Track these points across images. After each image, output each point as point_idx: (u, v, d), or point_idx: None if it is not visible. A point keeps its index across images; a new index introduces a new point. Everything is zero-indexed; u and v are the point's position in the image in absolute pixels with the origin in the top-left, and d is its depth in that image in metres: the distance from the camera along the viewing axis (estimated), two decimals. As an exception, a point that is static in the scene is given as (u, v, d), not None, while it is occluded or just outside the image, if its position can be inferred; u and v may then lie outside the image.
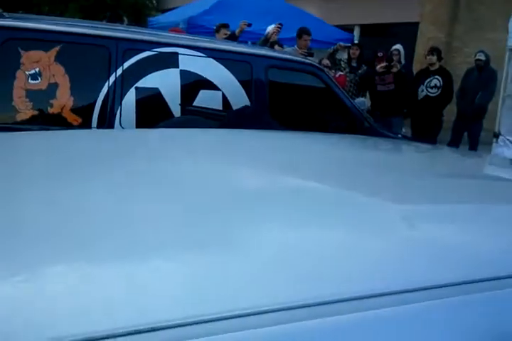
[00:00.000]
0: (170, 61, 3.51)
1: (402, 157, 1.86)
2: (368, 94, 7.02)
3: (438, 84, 6.71)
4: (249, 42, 9.20)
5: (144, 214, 0.85)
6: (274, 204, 0.95)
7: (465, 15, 10.21)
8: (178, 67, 3.52)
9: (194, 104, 3.46)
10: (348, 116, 4.15)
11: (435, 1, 10.39)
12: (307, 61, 4.42)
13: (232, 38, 6.63)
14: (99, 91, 3.18)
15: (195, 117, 3.12)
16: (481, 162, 1.94)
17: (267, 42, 6.43)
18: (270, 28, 6.97)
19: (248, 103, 3.71)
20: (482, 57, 7.06)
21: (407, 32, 10.67)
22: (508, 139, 5.06)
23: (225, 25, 6.92)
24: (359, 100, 6.02)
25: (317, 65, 4.48)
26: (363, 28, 12.16)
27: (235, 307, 0.58)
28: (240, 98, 3.69)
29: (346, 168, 1.34)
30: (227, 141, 1.64)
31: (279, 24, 6.52)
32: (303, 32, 6.59)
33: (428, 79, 6.77)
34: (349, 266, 0.72)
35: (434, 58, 6.88)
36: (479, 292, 0.71)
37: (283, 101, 4.00)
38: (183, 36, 4.27)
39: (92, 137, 1.63)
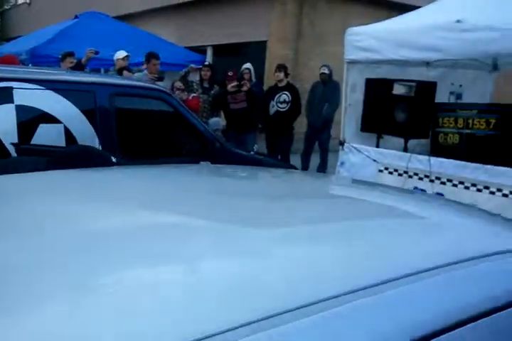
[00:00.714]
0: (3, 96, 3.34)
1: (251, 183, 1.89)
2: (222, 114, 7.17)
3: (287, 99, 7.05)
4: (102, 70, 9.05)
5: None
6: (134, 242, 0.95)
7: (308, 31, 10.83)
8: (13, 103, 3.37)
9: (34, 140, 3.32)
10: (199, 138, 4.20)
11: (280, 19, 10.91)
12: (154, 86, 4.42)
13: (79, 66, 6.47)
14: None
15: (27, 158, 2.96)
16: (327, 182, 2.03)
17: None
18: (119, 54, 6.92)
19: (93, 133, 3.63)
20: (326, 71, 7.54)
21: (257, 50, 11.08)
22: (352, 146, 5.39)
23: (70, 54, 6.74)
24: (213, 120, 6.14)
25: (164, 89, 4.50)
26: (216, 48, 12.43)
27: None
28: (83, 129, 3.60)
29: (195, 198, 1.35)
30: (61, 182, 1.57)
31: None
32: (151, 56, 6.60)
33: (277, 95, 7.08)
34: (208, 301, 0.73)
35: (282, 75, 7.22)
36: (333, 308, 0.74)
37: (132, 129, 3.97)
38: (18, 69, 4.09)
39: None
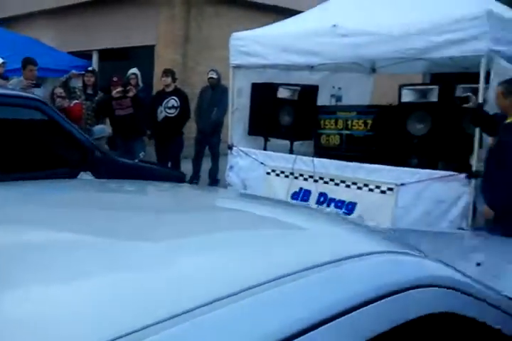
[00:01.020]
0: None
1: (124, 198, 1.83)
2: (108, 120, 6.96)
3: (175, 105, 6.95)
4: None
5: None
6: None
7: (196, 36, 10.80)
8: None
9: None
10: (79, 148, 4.02)
11: (168, 23, 10.80)
12: (27, 95, 4.19)
13: None
14: None
15: None
16: (208, 196, 2.00)
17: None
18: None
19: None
20: (214, 76, 7.53)
21: (145, 55, 10.89)
22: (240, 150, 5.44)
23: None
24: (98, 127, 5.93)
25: (38, 97, 4.26)
26: (102, 53, 12.08)
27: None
28: None
29: (69, 214, 1.33)
30: None
31: None
32: (27, 62, 6.27)
33: (165, 101, 6.97)
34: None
35: (169, 79, 7.12)
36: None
37: (3, 142, 3.72)
38: None
39: None
